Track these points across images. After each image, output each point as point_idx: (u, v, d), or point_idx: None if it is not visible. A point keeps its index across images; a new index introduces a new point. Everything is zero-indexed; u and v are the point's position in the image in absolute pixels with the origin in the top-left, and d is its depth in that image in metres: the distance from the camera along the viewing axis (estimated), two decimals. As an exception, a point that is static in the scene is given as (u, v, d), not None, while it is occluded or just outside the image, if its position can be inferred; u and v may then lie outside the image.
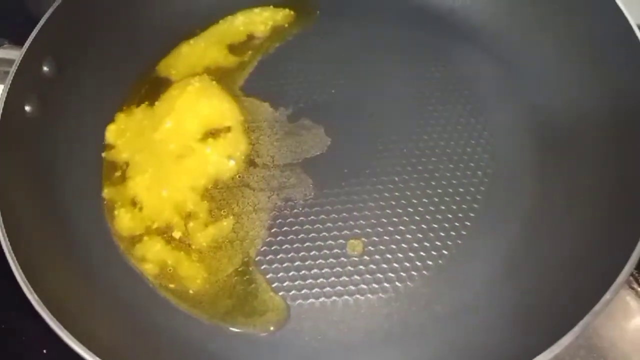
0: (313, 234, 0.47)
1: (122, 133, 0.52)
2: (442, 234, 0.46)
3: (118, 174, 0.50)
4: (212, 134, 0.51)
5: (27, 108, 0.46)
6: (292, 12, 0.60)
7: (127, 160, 0.51)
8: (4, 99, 0.44)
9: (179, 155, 0.50)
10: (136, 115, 0.53)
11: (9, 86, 0.44)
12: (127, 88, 0.55)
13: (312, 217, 0.48)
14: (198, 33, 0.59)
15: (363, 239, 0.47)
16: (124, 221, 0.48)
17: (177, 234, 0.47)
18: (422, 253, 0.46)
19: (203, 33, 0.59)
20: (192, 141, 0.51)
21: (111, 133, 0.52)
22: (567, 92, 0.50)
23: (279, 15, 0.60)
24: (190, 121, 0.51)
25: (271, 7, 0.60)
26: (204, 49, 0.58)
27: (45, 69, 0.48)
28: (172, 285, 0.45)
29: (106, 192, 0.49)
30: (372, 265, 0.45)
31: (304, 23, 0.59)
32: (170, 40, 0.58)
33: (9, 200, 0.41)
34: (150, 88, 0.55)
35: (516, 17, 0.55)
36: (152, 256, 0.46)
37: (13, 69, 0.45)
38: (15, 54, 0.46)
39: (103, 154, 0.52)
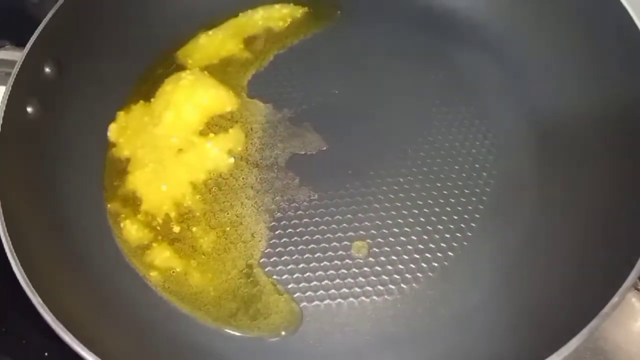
0: (317, 236, 0.47)
1: (124, 130, 0.52)
2: (448, 236, 0.46)
3: (117, 183, 0.50)
4: (214, 131, 0.51)
5: (28, 110, 0.46)
6: (311, 11, 0.60)
7: (129, 157, 0.51)
8: (6, 100, 0.43)
9: (180, 149, 0.50)
10: (135, 112, 0.53)
11: (10, 88, 0.44)
12: (129, 85, 0.55)
13: (316, 218, 0.47)
14: (217, 24, 0.59)
15: (368, 240, 0.46)
16: (131, 232, 0.47)
17: (176, 229, 0.47)
18: (427, 254, 0.45)
19: (222, 25, 0.59)
20: (193, 134, 0.51)
21: (113, 132, 0.52)
22: (569, 92, 0.50)
23: (299, 13, 0.60)
24: (191, 112, 0.52)
25: (291, 4, 0.60)
26: (221, 41, 0.58)
27: (47, 70, 0.47)
28: (177, 290, 0.45)
29: (110, 207, 0.49)
30: (377, 267, 0.45)
31: (323, 22, 0.59)
32: (189, 30, 0.58)
33: (11, 202, 0.40)
34: (156, 81, 0.55)
35: (518, 18, 0.55)
36: (159, 263, 0.46)
37: (15, 71, 0.44)
38: (16, 56, 0.46)
39: (106, 153, 0.51)
